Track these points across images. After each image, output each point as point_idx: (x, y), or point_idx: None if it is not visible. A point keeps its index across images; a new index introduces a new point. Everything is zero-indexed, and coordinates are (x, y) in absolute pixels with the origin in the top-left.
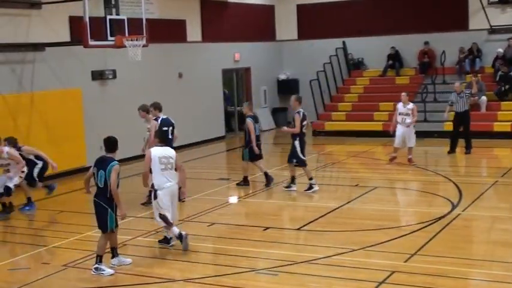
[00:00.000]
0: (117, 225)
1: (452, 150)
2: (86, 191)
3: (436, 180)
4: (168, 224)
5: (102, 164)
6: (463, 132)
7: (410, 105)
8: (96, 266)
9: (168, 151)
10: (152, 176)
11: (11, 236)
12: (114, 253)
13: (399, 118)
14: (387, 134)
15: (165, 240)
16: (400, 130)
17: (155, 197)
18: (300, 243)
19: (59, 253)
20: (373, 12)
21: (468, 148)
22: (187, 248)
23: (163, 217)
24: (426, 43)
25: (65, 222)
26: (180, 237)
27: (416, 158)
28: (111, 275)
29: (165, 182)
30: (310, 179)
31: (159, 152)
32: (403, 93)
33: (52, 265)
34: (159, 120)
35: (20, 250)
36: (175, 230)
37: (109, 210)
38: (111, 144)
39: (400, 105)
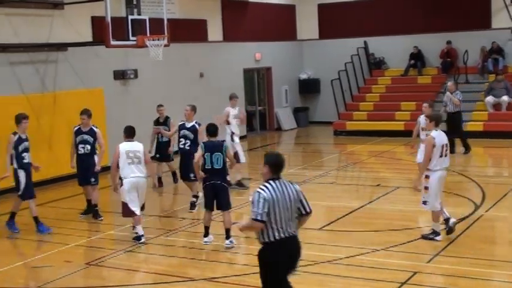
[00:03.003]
0: None
1: (451, 151)
2: (199, 177)
3: (458, 180)
4: (130, 213)
5: (215, 147)
6: (457, 133)
7: None
8: (231, 239)
9: (136, 146)
10: (120, 168)
11: (35, 234)
12: (228, 234)
13: (422, 135)
14: (409, 133)
15: (137, 238)
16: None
17: (121, 185)
18: (321, 243)
19: (82, 251)
20: (395, 11)
21: (466, 149)
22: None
23: (123, 205)
24: (448, 42)
25: (89, 220)
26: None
27: None
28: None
29: (130, 174)
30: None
31: (127, 146)
32: (424, 104)
33: (75, 263)
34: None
35: (44, 248)
36: (139, 228)
37: (228, 189)
38: (215, 128)
39: (422, 119)
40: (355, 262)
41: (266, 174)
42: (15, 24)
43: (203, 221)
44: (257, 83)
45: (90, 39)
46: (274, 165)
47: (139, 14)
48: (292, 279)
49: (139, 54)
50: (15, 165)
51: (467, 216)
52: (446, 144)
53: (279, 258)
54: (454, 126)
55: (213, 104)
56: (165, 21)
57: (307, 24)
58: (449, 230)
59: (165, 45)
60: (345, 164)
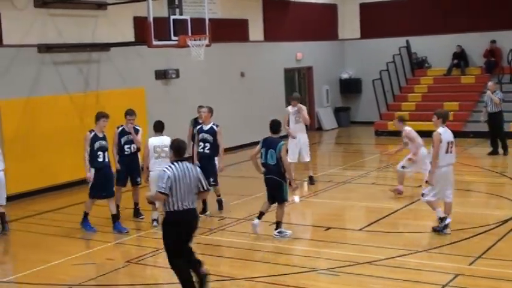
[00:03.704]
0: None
1: (493, 152)
2: (259, 171)
3: (500, 182)
4: (152, 204)
5: (271, 144)
6: (498, 134)
7: None
8: (279, 230)
9: (164, 140)
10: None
11: (76, 232)
12: (278, 226)
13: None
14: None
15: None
16: None
17: (148, 177)
18: (361, 243)
19: (123, 249)
20: (437, 10)
21: (504, 150)
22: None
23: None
24: (493, 41)
25: (130, 219)
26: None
27: (473, 160)
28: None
29: (156, 167)
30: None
31: (155, 141)
32: (394, 121)
33: (116, 261)
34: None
35: (86, 245)
36: (155, 214)
37: (284, 184)
38: (276, 125)
39: (407, 131)
40: (396, 263)
41: (171, 157)
42: (60, 25)
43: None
44: (298, 82)
45: (132, 39)
46: (177, 150)
47: (181, 14)
48: (332, 279)
49: (180, 54)
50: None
51: (510, 218)
52: (452, 142)
53: (177, 225)
54: (495, 126)
55: (253, 104)
56: (207, 21)
57: (349, 23)
58: (444, 227)
59: (207, 45)
60: (386, 165)
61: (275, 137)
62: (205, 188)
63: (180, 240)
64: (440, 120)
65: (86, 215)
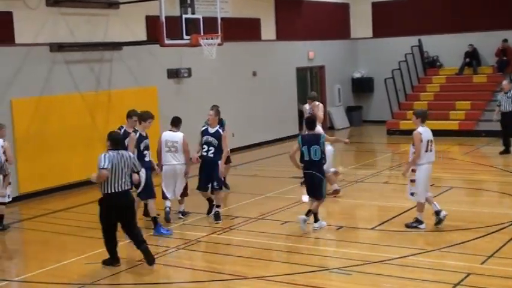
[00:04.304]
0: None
1: (505, 151)
2: (299, 168)
3: None
4: (164, 197)
5: (313, 140)
6: (510, 133)
7: None
8: (319, 222)
9: (175, 136)
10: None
11: (89, 231)
12: (316, 218)
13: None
14: (463, 133)
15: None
16: None
17: (161, 170)
18: (373, 242)
19: (135, 249)
20: (449, 9)
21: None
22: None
23: (161, 188)
24: (505, 40)
25: (139, 218)
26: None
27: (485, 159)
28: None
29: (166, 161)
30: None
31: (167, 136)
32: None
33: (127, 260)
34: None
35: (98, 244)
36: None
37: (324, 179)
38: (312, 122)
39: None
40: (408, 262)
41: (108, 146)
42: (71, 24)
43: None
44: (310, 81)
45: (144, 38)
46: (113, 141)
47: (193, 13)
48: (344, 278)
49: (193, 53)
50: None
51: None
52: (431, 140)
53: (111, 206)
54: (507, 125)
55: (265, 103)
56: (219, 20)
57: (361, 22)
58: (439, 222)
59: (219, 44)
60: (398, 164)
61: (313, 132)
62: (139, 169)
63: (110, 218)
64: (419, 119)
65: (156, 220)
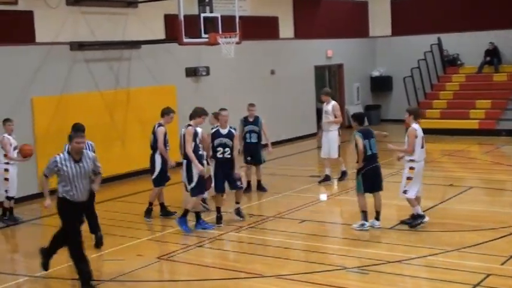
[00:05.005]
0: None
1: None
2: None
3: None
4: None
5: (369, 133)
6: None
7: None
8: (362, 222)
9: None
10: None
11: (107, 228)
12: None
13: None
14: (483, 132)
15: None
16: None
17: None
18: (391, 242)
19: (154, 246)
20: (469, 6)
21: None
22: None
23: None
24: None
25: (159, 216)
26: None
27: (506, 158)
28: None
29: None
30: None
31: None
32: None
33: (146, 257)
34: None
35: (116, 242)
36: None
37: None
38: (363, 117)
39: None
40: (426, 262)
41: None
42: (91, 23)
43: (361, 206)
44: (328, 80)
45: (163, 36)
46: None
47: (211, 12)
48: (361, 278)
49: (211, 52)
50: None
51: None
52: (423, 137)
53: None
54: None
55: (284, 101)
56: (237, 19)
57: (380, 20)
58: (413, 224)
59: (237, 43)
60: None
61: (365, 127)
62: (99, 171)
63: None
64: (412, 116)
65: (199, 214)
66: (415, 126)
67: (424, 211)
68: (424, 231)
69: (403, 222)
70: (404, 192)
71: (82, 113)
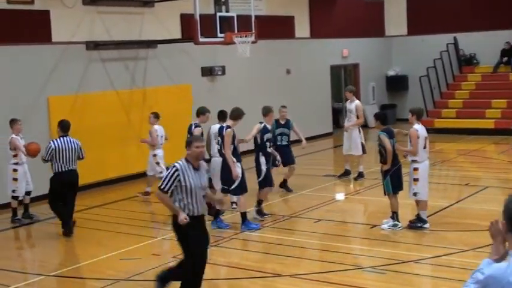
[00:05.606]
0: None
1: None
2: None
3: None
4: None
5: (392, 133)
6: None
7: None
8: (392, 222)
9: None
10: None
11: (123, 227)
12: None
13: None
14: (499, 132)
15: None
16: None
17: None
18: (407, 242)
19: (169, 245)
20: (486, 6)
21: None
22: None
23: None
24: None
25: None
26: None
27: None
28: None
29: (217, 153)
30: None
31: (214, 129)
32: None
33: (162, 256)
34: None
35: (132, 241)
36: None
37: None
38: (385, 117)
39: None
40: (442, 262)
41: (59, 132)
42: (107, 22)
43: (393, 207)
44: (344, 79)
45: (179, 36)
46: (63, 128)
47: (227, 11)
48: (378, 277)
49: (227, 51)
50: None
51: None
52: (427, 137)
53: (60, 182)
54: None
55: (299, 101)
56: (253, 18)
57: (396, 20)
58: (414, 226)
59: (253, 42)
60: (433, 162)
61: (388, 127)
62: (83, 157)
63: (59, 193)
64: (414, 116)
65: (245, 215)
66: (416, 126)
67: (439, 211)
68: (440, 231)
69: (410, 222)
70: (415, 194)
71: (98, 112)
